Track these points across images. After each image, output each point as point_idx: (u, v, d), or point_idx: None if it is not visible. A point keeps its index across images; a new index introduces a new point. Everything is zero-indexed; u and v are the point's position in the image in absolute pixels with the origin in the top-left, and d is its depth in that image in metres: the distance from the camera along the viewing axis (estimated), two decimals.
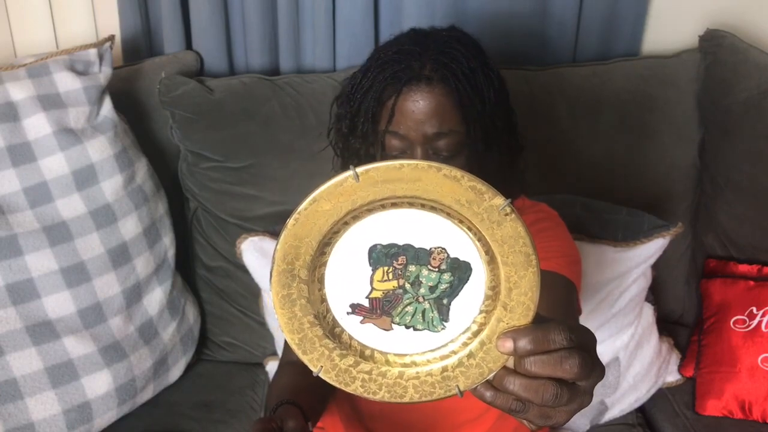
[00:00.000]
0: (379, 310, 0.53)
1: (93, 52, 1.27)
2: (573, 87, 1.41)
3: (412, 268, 0.52)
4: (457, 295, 0.53)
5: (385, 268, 0.52)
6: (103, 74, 1.28)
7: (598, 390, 1.28)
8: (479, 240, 0.52)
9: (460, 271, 0.52)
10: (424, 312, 0.53)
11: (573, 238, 1.05)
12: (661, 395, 1.40)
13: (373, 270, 0.52)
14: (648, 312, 1.34)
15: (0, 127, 1.17)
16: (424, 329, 0.53)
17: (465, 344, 0.53)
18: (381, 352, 0.54)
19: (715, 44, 1.44)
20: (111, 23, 1.44)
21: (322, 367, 0.53)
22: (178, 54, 1.44)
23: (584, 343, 0.51)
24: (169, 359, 1.33)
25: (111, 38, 1.31)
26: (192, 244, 1.45)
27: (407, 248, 0.52)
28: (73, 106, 1.23)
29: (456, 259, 0.52)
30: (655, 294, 1.39)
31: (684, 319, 1.49)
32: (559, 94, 1.40)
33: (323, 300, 0.53)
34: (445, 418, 1.05)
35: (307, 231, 0.51)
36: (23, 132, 1.19)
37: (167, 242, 1.34)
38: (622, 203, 1.30)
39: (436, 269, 0.52)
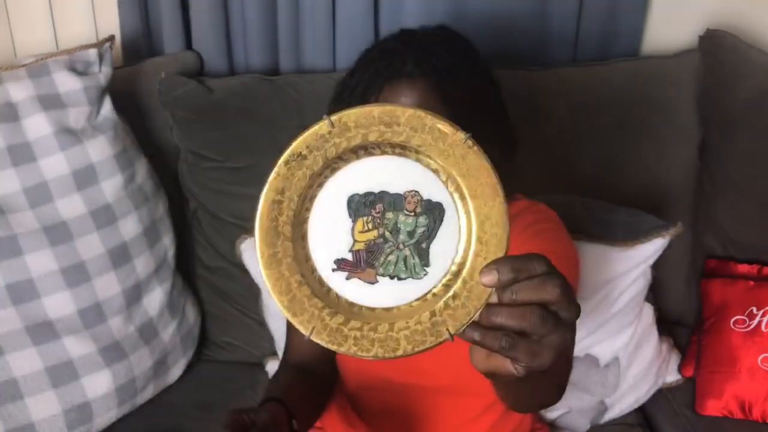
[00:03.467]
0: (362, 262, 0.54)
1: (93, 52, 1.27)
2: (573, 87, 1.41)
3: (389, 215, 0.54)
4: (434, 237, 0.54)
5: (365, 219, 0.53)
6: (103, 74, 1.28)
7: (598, 390, 1.28)
8: (448, 179, 0.54)
9: (434, 213, 0.54)
10: (405, 259, 0.54)
11: (572, 238, 1.05)
12: (661, 395, 1.40)
13: (353, 221, 0.53)
14: (648, 312, 1.34)
15: (0, 127, 1.17)
16: (408, 277, 0.54)
17: (448, 286, 0.54)
18: (369, 308, 0.54)
19: (715, 44, 1.43)
20: (111, 23, 1.44)
21: (314, 328, 0.53)
22: (178, 54, 1.44)
23: (562, 273, 0.53)
24: (169, 359, 1.33)
25: (111, 38, 1.31)
26: (192, 244, 1.45)
27: (383, 195, 0.53)
28: (74, 107, 1.23)
29: (429, 201, 0.54)
30: (655, 294, 1.39)
31: (684, 319, 1.49)
32: (559, 94, 1.40)
33: (308, 258, 0.54)
34: (446, 417, 1.05)
35: (288, 185, 0.53)
36: (23, 132, 1.19)
37: (167, 242, 1.35)
38: (622, 203, 1.30)
39: (412, 213, 0.54)
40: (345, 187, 0.53)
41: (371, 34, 1.46)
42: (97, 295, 1.21)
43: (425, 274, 0.54)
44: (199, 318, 1.42)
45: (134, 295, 1.26)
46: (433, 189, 0.54)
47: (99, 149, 1.23)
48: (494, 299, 0.53)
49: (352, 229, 0.54)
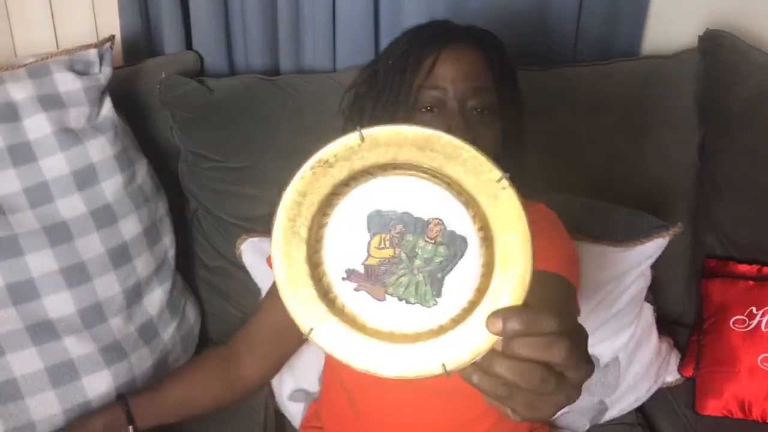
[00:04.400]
0: (373, 277, 0.53)
1: (93, 52, 1.27)
2: (573, 87, 1.41)
3: (409, 237, 0.52)
4: (451, 270, 0.52)
5: (383, 235, 0.52)
6: (103, 74, 1.28)
7: (598, 389, 1.28)
8: (476, 216, 0.52)
9: (456, 246, 0.52)
10: (417, 285, 0.53)
11: (572, 238, 1.05)
12: (661, 395, 1.40)
13: (371, 236, 0.52)
14: (648, 312, 1.34)
15: (0, 127, 1.17)
16: (417, 303, 0.53)
17: (456, 321, 0.52)
18: (371, 324, 0.54)
19: (715, 44, 1.44)
20: (111, 23, 1.44)
21: (312, 329, 0.53)
22: (178, 54, 1.44)
23: (574, 333, 0.50)
24: (170, 359, 1.33)
25: (111, 38, 1.31)
26: (192, 244, 1.45)
27: (405, 217, 0.52)
28: (74, 107, 1.23)
29: (452, 233, 0.52)
30: (654, 294, 1.39)
31: (684, 319, 1.49)
32: (559, 94, 1.40)
33: (320, 263, 0.54)
34: (445, 418, 1.05)
35: (310, 189, 0.53)
36: (23, 132, 1.19)
37: (167, 242, 1.35)
38: (622, 203, 1.30)
39: (432, 241, 0.52)
40: (368, 201, 0.53)
41: (371, 34, 1.46)
42: (97, 295, 1.21)
43: (435, 304, 0.53)
44: (199, 318, 1.42)
45: (134, 295, 1.26)
46: (458, 221, 0.52)
47: (99, 149, 1.23)
48: (499, 348, 0.51)
49: (369, 243, 0.53)
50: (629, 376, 1.31)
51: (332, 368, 1.15)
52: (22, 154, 1.18)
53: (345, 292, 0.54)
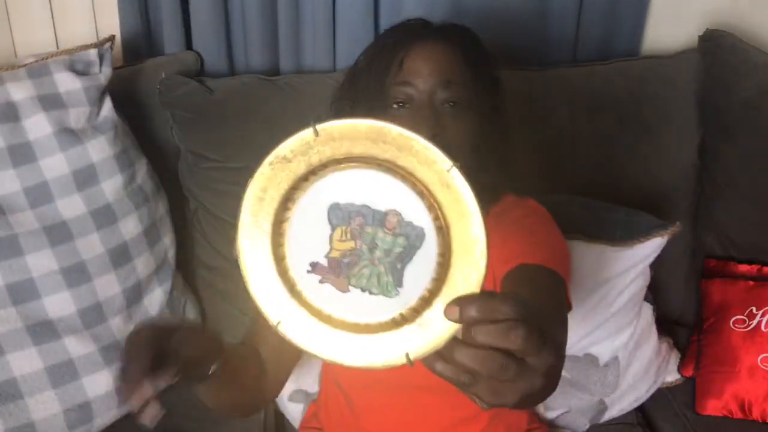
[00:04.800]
0: (337, 270, 0.54)
1: (93, 52, 1.27)
2: (573, 87, 1.41)
3: (368, 229, 0.53)
4: (410, 260, 0.53)
5: (344, 228, 0.53)
6: (103, 74, 1.28)
7: (598, 389, 1.28)
8: (431, 206, 0.53)
9: (413, 237, 0.53)
10: (379, 275, 0.54)
11: (571, 237, 1.05)
12: (661, 395, 1.40)
13: (332, 229, 0.54)
14: (647, 312, 1.34)
15: (0, 127, 1.17)
16: (379, 294, 0.54)
17: (416, 312, 0.53)
18: (337, 315, 0.54)
19: (715, 44, 1.44)
20: (111, 23, 1.44)
21: (279, 322, 0.54)
22: (178, 54, 1.45)
23: (534, 318, 0.50)
24: None
25: (111, 38, 1.31)
26: (192, 244, 1.45)
27: (364, 209, 0.53)
28: (74, 107, 1.23)
29: (410, 224, 0.53)
30: (654, 294, 1.39)
31: (683, 319, 1.49)
32: (559, 94, 1.40)
33: (284, 257, 0.55)
34: (441, 416, 1.05)
35: (270, 184, 0.54)
36: (24, 132, 1.19)
37: (167, 242, 1.35)
38: (622, 203, 1.30)
39: (391, 233, 0.53)
40: (327, 194, 0.54)
41: (371, 34, 1.46)
42: (97, 295, 1.21)
43: (396, 294, 0.53)
44: (199, 318, 1.42)
45: (134, 295, 1.26)
46: (414, 212, 0.53)
47: (99, 149, 1.24)
48: (461, 335, 0.51)
49: (331, 236, 0.54)
50: (629, 375, 1.31)
51: (328, 369, 1.15)
52: (22, 154, 1.18)
53: (310, 285, 0.54)
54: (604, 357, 1.27)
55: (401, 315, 0.53)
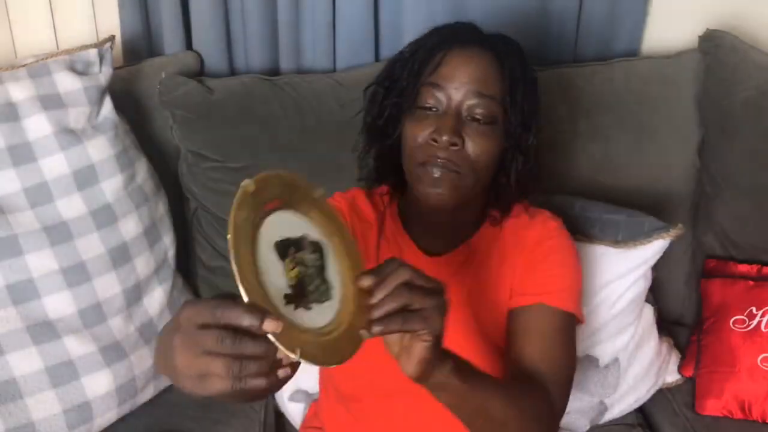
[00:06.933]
0: (300, 294, 0.65)
1: (93, 52, 1.27)
2: (573, 87, 1.41)
3: (300, 255, 0.66)
4: (327, 268, 0.68)
5: (288, 259, 0.65)
6: (103, 74, 1.28)
7: (598, 390, 1.28)
8: (319, 227, 0.70)
9: (320, 250, 0.68)
10: (318, 287, 0.67)
11: (573, 239, 1.05)
12: (661, 395, 1.40)
13: (283, 262, 0.64)
14: (648, 312, 1.34)
15: (0, 127, 1.17)
16: (326, 300, 0.67)
17: (341, 302, 0.68)
18: (310, 328, 0.65)
19: (715, 44, 1.44)
20: (111, 23, 1.44)
21: (299, 350, 0.61)
22: (178, 54, 1.44)
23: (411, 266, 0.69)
24: None
25: (111, 38, 1.31)
26: (192, 244, 1.45)
27: (292, 240, 0.66)
28: (74, 107, 1.23)
29: (314, 242, 0.68)
30: (655, 294, 1.39)
31: (684, 319, 1.49)
32: (559, 94, 1.40)
33: (267, 292, 0.62)
34: (441, 421, 1.05)
35: (239, 234, 0.61)
36: (24, 132, 1.19)
37: (167, 242, 1.35)
38: (622, 203, 1.30)
39: (310, 252, 0.67)
40: (269, 236, 0.64)
41: (371, 34, 1.46)
42: (97, 294, 1.21)
43: (333, 296, 0.68)
44: None
45: (134, 294, 1.26)
46: (312, 232, 0.69)
47: (99, 149, 1.24)
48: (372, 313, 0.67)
49: (284, 269, 0.64)
50: (629, 376, 1.31)
51: (325, 376, 1.15)
52: (22, 154, 1.18)
53: (289, 312, 0.63)
54: (605, 358, 1.27)
55: (337, 309, 0.67)
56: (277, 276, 0.63)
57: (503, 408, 0.82)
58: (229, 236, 0.60)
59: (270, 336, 0.58)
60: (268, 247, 0.63)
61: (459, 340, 1.02)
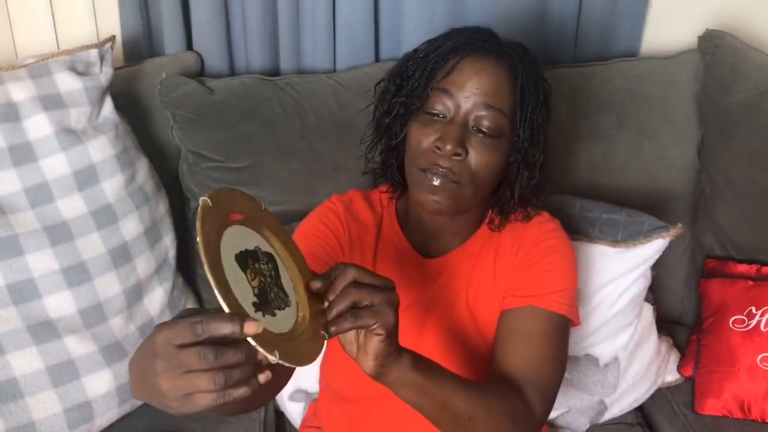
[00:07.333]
0: (263, 303, 0.67)
1: (94, 52, 1.28)
2: (573, 87, 1.41)
3: (257, 265, 0.68)
4: (281, 276, 0.71)
5: (248, 270, 0.67)
6: (104, 75, 1.28)
7: (598, 389, 1.28)
8: (264, 234, 0.72)
9: (273, 260, 0.71)
10: (277, 294, 0.69)
11: (572, 238, 1.05)
12: (661, 395, 1.40)
13: (245, 273, 0.67)
14: (647, 312, 1.34)
15: (1, 127, 1.17)
16: (286, 307, 0.70)
17: (299, 307, 0.72)
18: (277, 333, 0.67)
19: (714, 44, 1.44)
20: (112, 24, 1.44)
21: (277, 353, 0.64)
22: (178, 54, 1.45)
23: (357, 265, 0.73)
24: None
25: (112, 39, 1.31)
26: (192, 244, 1.45)
27: (249, 252, 0.68)
28: (74, 107, 1.23)
29: (267, 253, 0.71)
30: (654, 294, 1.39)
31: (683, 319, 1.50)
32: (559, 94, 1.40)
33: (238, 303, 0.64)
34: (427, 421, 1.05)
35: (212, 256, 0.63)
36: (24, 132, 1.19)
37: (168, 242, 1.35)
38: (622, 203, 1.30)
39: (264, 262, 0.70)
40: (229, 249, 0.66)
41: (371, 34, 1.46)
42: (98, 294, 1.21)
43: (291, 302, 0.71)
44: None
45: (135, 294, 1.27)
46: (263, 244, 0.71)
47: (100, 149, 1.24)
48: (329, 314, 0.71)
49: (246, 279, 0.66)
50: (629, 376, 1.31)
51: (324, 378, 1.15)
52: (22, 154, 1.18)
53: (260, 319, 0.65)
54: (605, 358, 1.28)
55: (297, 313, 0.71)
56: (243, 286, 0.65)
57: (467, 403, 0.82)
58: (200, 249, 0.62)
59: (250, 340, 0.60)
60: (230, 259, 0.66)
61: (453, 341, 1.02)
